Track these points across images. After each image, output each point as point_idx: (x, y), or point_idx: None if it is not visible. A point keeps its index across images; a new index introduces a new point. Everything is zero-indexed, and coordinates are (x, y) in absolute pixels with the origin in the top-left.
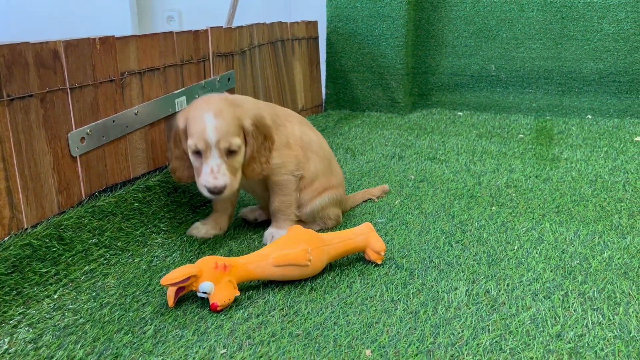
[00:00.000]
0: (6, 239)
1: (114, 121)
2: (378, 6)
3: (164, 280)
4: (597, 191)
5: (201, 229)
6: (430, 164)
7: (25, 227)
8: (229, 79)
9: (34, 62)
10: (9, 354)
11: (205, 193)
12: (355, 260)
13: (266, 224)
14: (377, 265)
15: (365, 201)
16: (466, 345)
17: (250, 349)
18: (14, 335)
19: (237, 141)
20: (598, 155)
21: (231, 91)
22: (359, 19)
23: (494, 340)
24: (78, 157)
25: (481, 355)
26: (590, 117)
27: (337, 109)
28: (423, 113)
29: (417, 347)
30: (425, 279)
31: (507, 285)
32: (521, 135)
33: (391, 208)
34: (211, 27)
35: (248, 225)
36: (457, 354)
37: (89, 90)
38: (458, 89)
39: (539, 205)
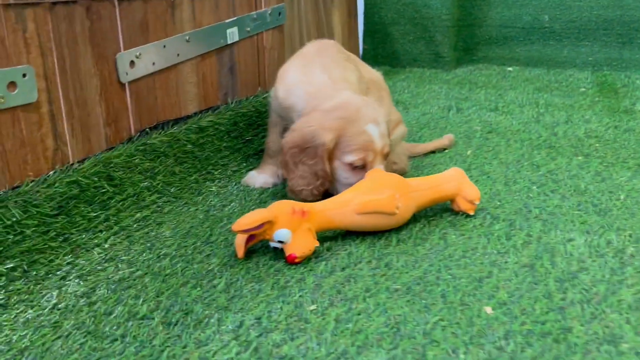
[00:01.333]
0: (51, 173)
1: (164, 46)
2: None
3: (236, 226)
4: None
5: (258, 178)
6: (494, 116)
7: (71, 161)
8: (279, 13)
9: None
10: (58, 309)
11: None
12: (441, 210)
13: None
14: (468, 215)
15: (433, 152)
16: (605, 302)
17: (345, 305)
18: (63, 288)
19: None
20: None
21: (281, 27)
22: None
23: (638, 296)
24: (127, 84)
25: (628, 313)
26: None
27: (376, 64)
28: (469, 68)
29: (545, 305)
30: (530, 229)
31: (630, 236)
32: (583, 89)
33: (464, 158)
34: None
35: (277, 192)
36: (597, 311)
37: (138, 5)
38: (507, 42)
39: (630, 156)
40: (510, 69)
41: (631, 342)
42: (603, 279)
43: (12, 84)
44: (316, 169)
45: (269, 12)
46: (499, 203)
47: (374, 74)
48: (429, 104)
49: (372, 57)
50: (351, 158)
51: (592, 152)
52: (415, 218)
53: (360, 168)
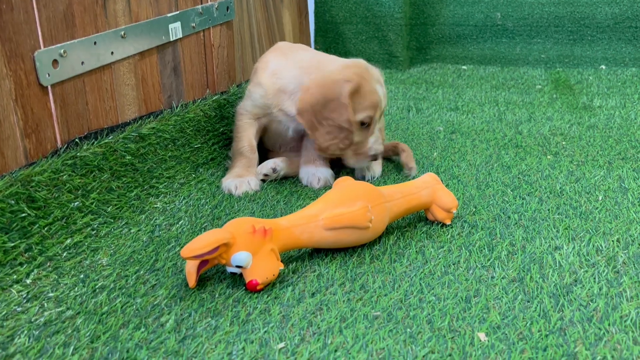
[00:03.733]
0: None
1: (95, 42)
2: None
3: (186, 251)
4: None
5: (250, 182)
6: (455, 115)
7: None
8: (227, 7)
9: None
10: None
11: (364, 163)
12: (415, 219)
13: (288, 180)
14: (444, 225)
15: (395, 154)
16: (607, 320)
17: (318, 340)
18: None
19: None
20: (632, 101)
21: (230, 24)
22: None
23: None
24: (50, 87)
25: (633, 331)
26: (604, 67)
27: None
28: (424, 68)
29: (543, 326)
30: (513, 238)
31: (618, 241)
32: (539, 86)
33: (431, 161)
34: None
35: (235, 204)
36: (601, 331)
37: None
38: (460, 40)
39: (598, 153)
40: (464, 67)
41: None
42: (600, 293)
43: None
44: (340, 120)
45: (216, 6)
46: (474, 209)
47: None
48: (387, 104)
49: None
50: (362, 116)
51: (560, 151)
52: (387, 230)
53: (366, 127)
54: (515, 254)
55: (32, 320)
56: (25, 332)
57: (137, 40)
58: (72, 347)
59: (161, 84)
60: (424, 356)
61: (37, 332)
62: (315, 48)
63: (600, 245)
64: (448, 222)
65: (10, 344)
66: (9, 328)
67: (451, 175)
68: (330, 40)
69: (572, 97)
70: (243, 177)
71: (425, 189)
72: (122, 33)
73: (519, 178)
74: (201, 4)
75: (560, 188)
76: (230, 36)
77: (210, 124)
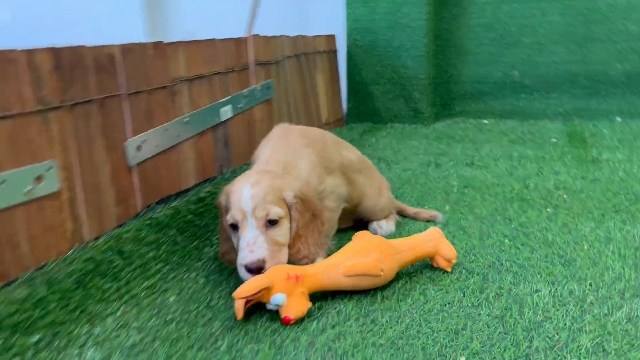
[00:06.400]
0: (70, 252)
1: (166, 129)
2: (397, 17)
3: (237, 294)
4: None
5: None
6: (470, 170)
7: (87, 240)
8: (268, 87)
9: (93, 65)
10: None
11: (243, 274)
12: (422, 266)
13: None
14: (445, 271)
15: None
16: (566, 348)
17: None
18: (83, 355)
19: (276, 210)
20: (639, 155)
21: (270, 100)
22: (379, 31)
23: (595, 342)
24: (134, 166)
25: (585, 357)
26: (619, 119)
27: (359, 121)
28: (447, 122)
29: (513, 352)
30: (502, 282)
31: (590, 285)
32: (554, 140)
33: (442, 214)
34: (252, 35)
35: None
36: (559, 357)
37: (143, 96)
38: (481, 97)
39: (595, 206)
40: (486, 121)
41: None
42: (564, 327)
43: (38, 177)
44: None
45: (259, 88)
46: (473, 257)
47: (359, 155)
48: (409, 160)
49: (355, 114)
50: (226, 217)
51: (560, 204)
52: (398, 275)
53: (236, 229)
54: (502, 296)
55: (122, 343)
56: (119, 352)
57: (196, 123)
58: None
59: (214, 155)
60: None
61: (127, 352)
62: (347, 107)
63: (574, 288)
64: (449, 270)
65: None
66: (107, 349)
67: (459, 226)
68: (361, 99)
69: (582, 151)
70: None
71: (430, 241)
72: (186, 120)
73: (517, 229)
74: (247, 87)
75: (552, 239)
76: (270, 110)
77: None
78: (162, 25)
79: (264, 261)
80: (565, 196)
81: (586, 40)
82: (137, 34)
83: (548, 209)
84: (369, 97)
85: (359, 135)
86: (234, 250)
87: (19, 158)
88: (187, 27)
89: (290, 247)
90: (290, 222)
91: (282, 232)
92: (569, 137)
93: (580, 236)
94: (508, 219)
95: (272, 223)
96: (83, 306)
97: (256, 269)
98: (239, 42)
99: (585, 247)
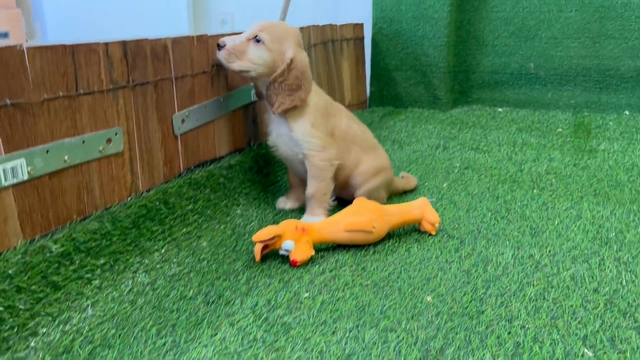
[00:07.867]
0: (128, 199)
1: (205, 107)
2: (422, 8)
3: (256, 237)
4: (633, 177)
5: (287, 202)
6: (474, 154)
7: (141, 190)
8: None
9: (150, 54)
10: (133, 292)
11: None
12: (411, 231)
13: (300, 211)
14: (431, 235)
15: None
16: (514, 296)
17: (329, 293)
18: (135, 279)
19: (265, 35)
20: (635, 147)
21: None
22: (404, 20)
23: (538, 292)
24: (179, 136)
25: (527, 303)
26: (627, 112)
27: (381, 105)
28: (464, 109)
29: (470, 296)
30: (475, 245)
31: (549, 251)
32: (560, 130)
33: (440, 190)
34: None
35: (285, 214)
36: (506, 301)
37: (188, 79)
38: (498, 86)
39: (577, 189)
40: (500, 109)
41: (523, 321)
42: (517, 280)
43: (108, 140)
44: None
45: None
46: (456, 225)
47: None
48: (421, 142)
49: (378, 98)
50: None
51: (547, 186)
52: (389, 235)
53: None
54: (472, 255)
55: (165, 273)
56: (162, 278)
57: (230, 103)
58: (188, 287)
59: (244, 131)
60: (389, 305)
61: (169, 279)
62: (371, 90)
63: (534, 253)
64: (433, 233)
65: (155, 283)
66: (153, 275)
67: (451, 201)
68: (384, 83)
69: (583, 141)
70: (288, 199)
71: (417, 208)
72: (222, 99)
73: (501, 205)
74: None
75: (529, 214)
76: None
77: (274, 159)
78: (203, 7)
79: (225, 43)
80: (553, 180)
81: (600, 36)
82: (182, 15)
83: (534, 190)
84: (392, 82)
85: (379, 118)
86: None
87: (96, 124)
88: (226, 9)
89: (268, 98)
90: (273, 64)
91: (259, 52)
92: (575, 128)
93: (555, 214)
94: (496, 197)
95: (257, 41)
96: (137, 242)
97: (218, 45)
98: None
99: (556, 223)
